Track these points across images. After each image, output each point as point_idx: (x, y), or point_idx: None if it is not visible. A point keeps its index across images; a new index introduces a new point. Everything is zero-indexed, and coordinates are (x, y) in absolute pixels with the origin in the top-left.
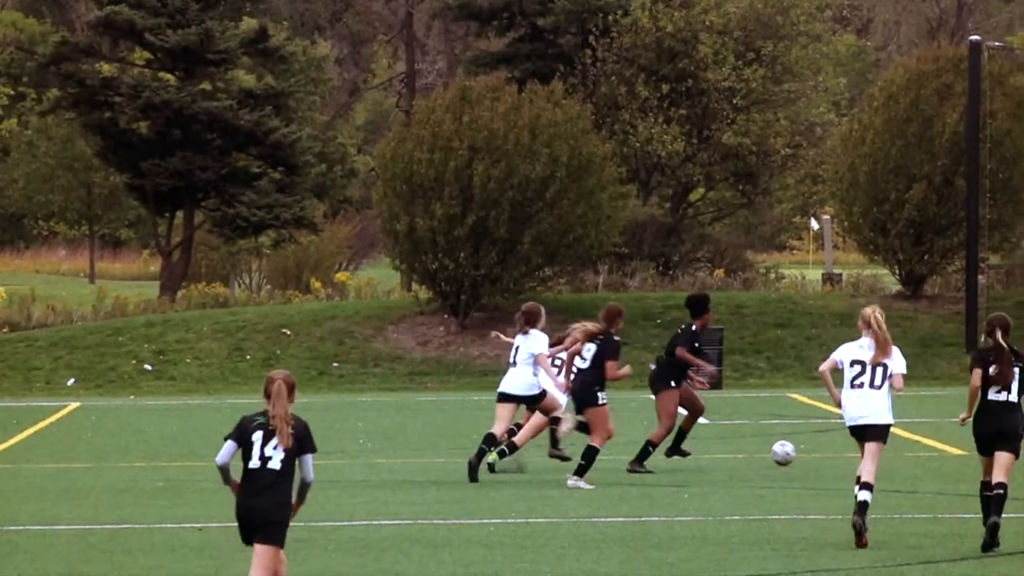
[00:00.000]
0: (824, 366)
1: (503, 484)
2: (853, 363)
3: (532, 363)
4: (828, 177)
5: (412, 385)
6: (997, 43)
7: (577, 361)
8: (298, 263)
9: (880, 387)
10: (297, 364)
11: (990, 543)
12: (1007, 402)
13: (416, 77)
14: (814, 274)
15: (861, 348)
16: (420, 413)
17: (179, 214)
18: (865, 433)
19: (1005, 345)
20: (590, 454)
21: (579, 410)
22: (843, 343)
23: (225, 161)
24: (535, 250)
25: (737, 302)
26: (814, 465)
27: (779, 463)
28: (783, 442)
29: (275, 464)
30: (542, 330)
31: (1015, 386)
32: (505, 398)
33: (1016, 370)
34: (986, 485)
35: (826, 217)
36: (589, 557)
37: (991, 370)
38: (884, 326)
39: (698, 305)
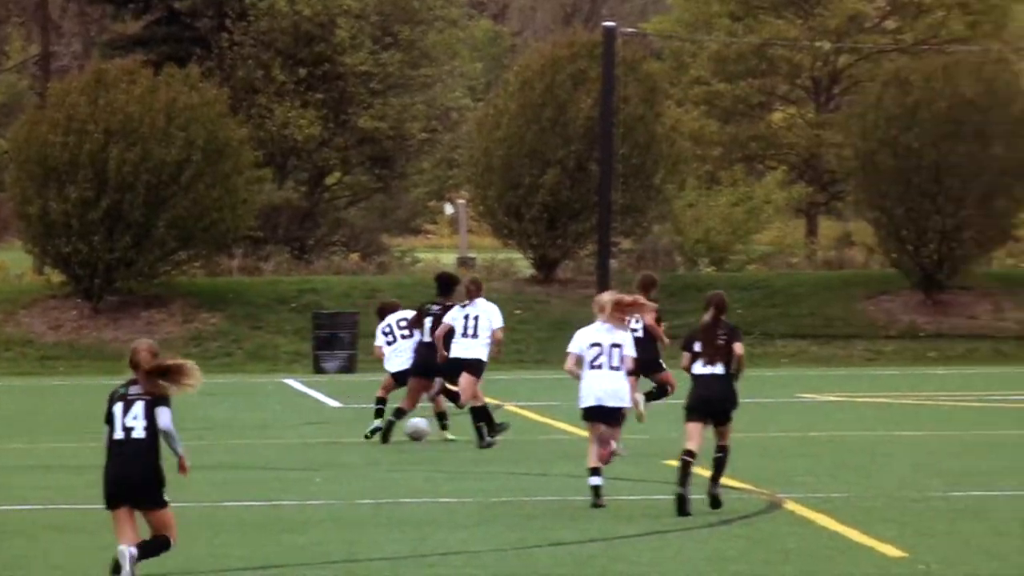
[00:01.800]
0: (569, 364)
1: None
2: (592, 345)
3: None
4: (463, 162)
5: (43, 369)
6: (631, 29)
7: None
8: None
9: (618, 368)
10: None
11: (683, 510)
12: (715, 375)
13: (51, 59)
14: (449, 258)
15: (598, 331)
16: (51, 397)
17: None
18: (602, 414)
19: (716, 321)
20: None
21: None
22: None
23: None
24: (170, 234)
25: (372, 286)
26: (444, 448)
27: (412, 437)
28: (415, 419)
29: (139, 433)
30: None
31: (724, 359)
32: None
33: (722, 343)
34: (688, 452)
35: (461, 201)
36: (221, 541)
37: (697, 346)
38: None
39: (446, 283)
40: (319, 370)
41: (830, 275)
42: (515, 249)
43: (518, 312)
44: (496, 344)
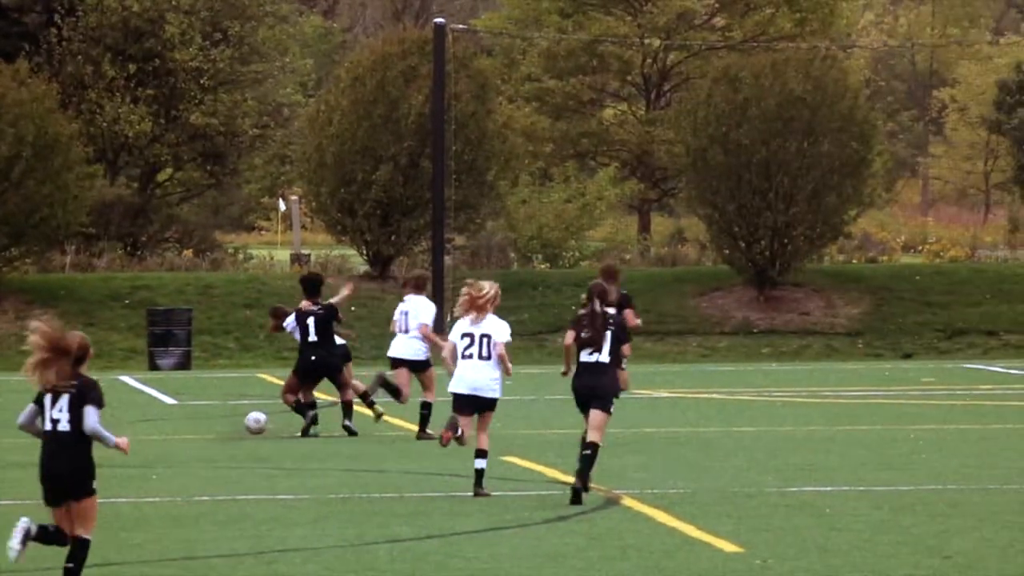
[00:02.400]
0: (446, 351)
1: None
2: (463, 336)
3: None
4: (296, 158)
5: None
6: (461, 26)
7: None
8: None
9: (488, 358)
10: None
11: (575, 499)
12: (598, 363)
13: None
14: (282, 255)
15: (471, 322)
16: None
17: None
18: (476, 403)
19: (599, 310)
20: None
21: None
22: None
23: None
24: (1, 230)
25: (206, 283)
26: (282, 445)
27: (252, 431)
28: (255, 413)
29: (64, 426)
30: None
31: (607, 348)
32: (398, 363)
33: (608, 333)
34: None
35: (294, 198)
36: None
37: (583, 333)
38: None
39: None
40: (154, 367)
41: (663, 271)
42: (349, 246)
43: (353, 309)
44: (426, 339)
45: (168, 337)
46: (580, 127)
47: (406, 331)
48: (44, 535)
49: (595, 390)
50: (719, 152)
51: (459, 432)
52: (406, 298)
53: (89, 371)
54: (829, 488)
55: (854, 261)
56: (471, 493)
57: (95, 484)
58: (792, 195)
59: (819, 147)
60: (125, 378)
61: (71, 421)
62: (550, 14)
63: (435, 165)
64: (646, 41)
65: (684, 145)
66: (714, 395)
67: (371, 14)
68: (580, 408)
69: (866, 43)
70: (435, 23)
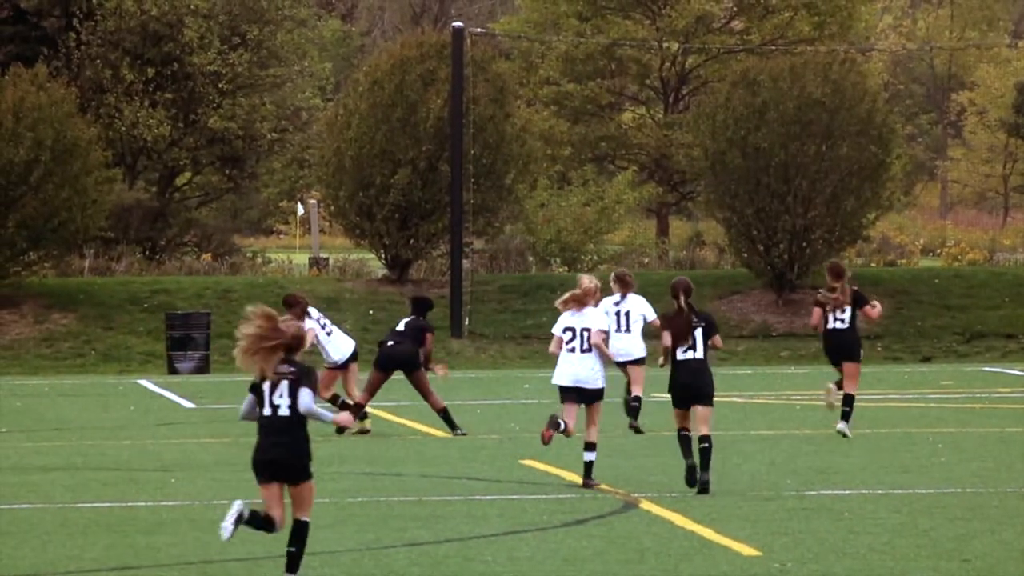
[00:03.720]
0: (552, 346)
1: None
2: (565, 329)
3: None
4: (314, 162)
5: None
6: (480, 30)
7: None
8: None
9: (589, 350)
10: None
11: (692, 480)
12: (695, 359)
13: None
14: (301, 258)
15: (572, 315)
16: None
17: None
18: (582, 395)
19: (685, 307)
20: None
21: None
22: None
23: None
24: (20, 234)
25: (224, 286)
26: None
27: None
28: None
29: (284, 411)
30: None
31: (700, 345)
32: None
33: (699, 331)
34: (682, 430)
35: (312, 202)
36: (74, 543)
37: (675, 332)
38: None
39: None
40: (173, 371)
41: (682, 275)
42: (367, 249)
43: (371, 312)
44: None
45: (187, 341)
46: (598, 131)
47: (626, 330)
48: (254, 519)
49: (698, 388)
50: (737, 155)
51: (562, 427)
52: (622, 298)
53: (109, 374)
54: (848, 491)
55: (873, 264)
56: (490, 497)
57: (312, 468)
58: (811, 198)
59: (838, 150)
60: (144, 382)
61: (291, 407)
62: (568, 18)
63: (453, 169)
64: (664, 45)
65: (702, 148)
66: (733, 398)
67: (389, 18)
68: (679, 405)
69: (885, 46)
70: (453, 27)
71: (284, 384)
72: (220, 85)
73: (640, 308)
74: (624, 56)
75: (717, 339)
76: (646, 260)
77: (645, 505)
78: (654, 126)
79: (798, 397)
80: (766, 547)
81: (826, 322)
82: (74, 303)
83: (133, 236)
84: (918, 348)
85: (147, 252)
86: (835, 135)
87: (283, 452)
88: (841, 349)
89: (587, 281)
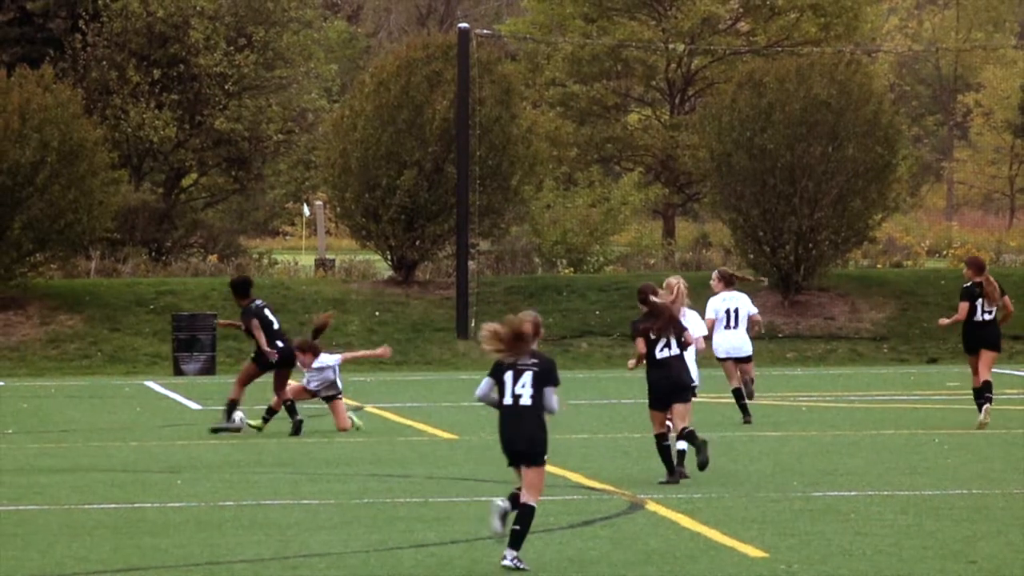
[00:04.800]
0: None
1: None
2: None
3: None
4: (320, 163)
5: None
6: (486, 31)
7: None
8: None
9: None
10: None
11: (703, 464)
12: (674, 356)
13: None
14: (307, 260)
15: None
16: None
17: None
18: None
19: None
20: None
21: None
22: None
23: None
24: (26, 236)
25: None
26: (306, 450)
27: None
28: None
29: (526, 400)
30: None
31: (674, 343)
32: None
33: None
34: (660, 436)
35: (319, 203)
36: (81, 544)
37: (652, 332)
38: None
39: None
40: (179, 372)
41: (688, 276)
42: (373, 251)
43: (377, 314)
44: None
45: (193, 342)
46: (604, 132)
47: (735, 326)
48: (515, 501)
49: (684, 385)
50: (744, 157)
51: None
52: (728, 295)
53: (115, 376)
54: (854, 492)
55: (879, 266)
56: (497, 498)
57: (547, 456)
58: (817, 200)
59: (844, 151)
60: (150, 383)
61: (533, 396)
62: (574, 19)
63: (459, 170)
64: (670, 46)
65: (708, 150)
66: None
67: (395, 19)
68: (659, 406)
69: (891, 48)
70: (459, 28)
71: (528, 375)
72: (226, 86)
73: (746, 305)
74: (630, 57)
75: (689, 335)
76: (652, 261)
77: (651, 506)
78: (660, 127)
79: (804, 398)
80: (773, 548)
81: (972, 314)
82: (80, 304)
83: (139, 237)
84: (924, 349)
85: (153, 253)
86: (841, 136)
87: (523, 440)
88: (987, 339)
89: (674, 280)
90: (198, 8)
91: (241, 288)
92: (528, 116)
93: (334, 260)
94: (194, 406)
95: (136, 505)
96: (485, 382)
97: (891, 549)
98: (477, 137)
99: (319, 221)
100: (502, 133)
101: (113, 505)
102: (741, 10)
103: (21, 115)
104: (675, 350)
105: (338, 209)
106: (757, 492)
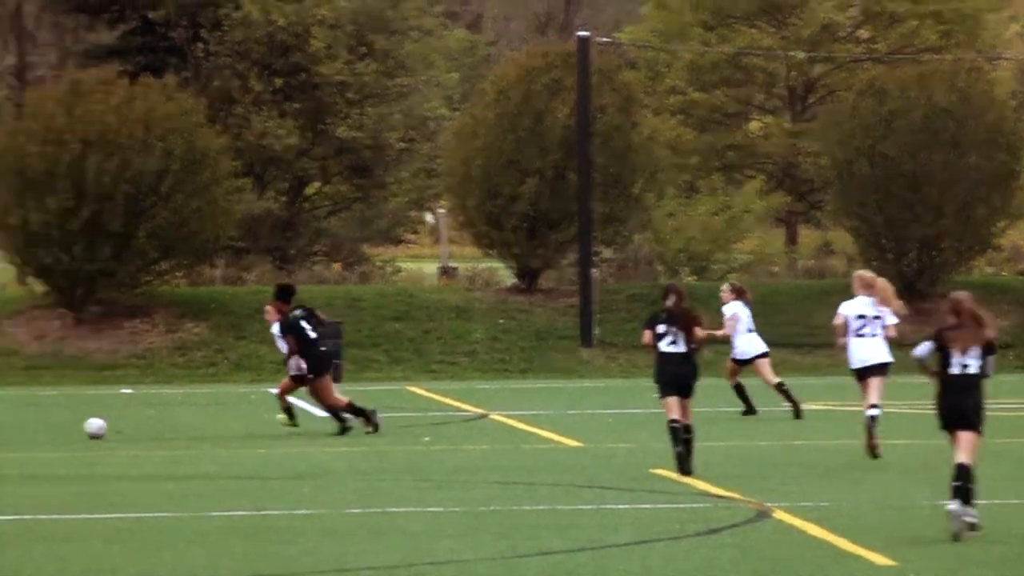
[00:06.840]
0: (837, 321)
1: (123, 479)
2: (858, 317)
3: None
4: (442, 171)
5: (28, 380)
6: (605, 38)
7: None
8: None
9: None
10: None
11: (684, 468)
12: (679, 353)
13: (27, 70)
14: (430, 267)
15: (862, 304)
16: (37, 408)
17: None
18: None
19: (676, 308)
20: None
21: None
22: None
23: None
24: (151, 244)
25: (355, 295)
26: (433, 457)
27: (93, 436)
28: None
29: (972, 370)
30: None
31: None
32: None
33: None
34: (672, 421)
35: (441, 211)
36: (209, 551)
37: (660, 328)
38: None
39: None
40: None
41: (811, 284)
42: (496, 258)
43: (501, 322)
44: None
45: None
46: (725, 139)
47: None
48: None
49: (685, 377)
50: (865, 164)
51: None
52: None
53: (241, 383)
54: (984, 501)
55: (1004, 273)
56: (623, 506)
57: (983, 425)
58: (940, 207)
59: (966, 159)
60: (275, 391)
61: (980, 367)
62: (694, 27)
63: (581, 178)
64: (790, 53)
65: (830, 157)
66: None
67: (515, 27)
68: (665, 393)
69: (1012, 55)
70: (579, 36)
71: (975, 349)
72: (348, 95)
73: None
74: (750, 65)
75: (698, 331)
76: (775, 269)
77: (778, 515)
78: (781, 135)
79: (931, 407)
80: (901, 557)
81: None
82: (206, 312)
83: (263, 246)
84: None
85: (277, 261)
86: (963, 144)
87: (968, 406)
88: None
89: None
90: (319, 17)
91: (284, 295)
92: (649, 124)
93: (457, 268)
94: (320, 413)
95: (263, 512)
96: (926, 345)
97: (1020, 558)
98: (598, 145)
99: (442, 229)
100: (623, 141)
101: (241, 512)
102: (861, 18)
103: (145, 124)
104: (680, 347)
105: (460, 217)
106: (884, 500)
